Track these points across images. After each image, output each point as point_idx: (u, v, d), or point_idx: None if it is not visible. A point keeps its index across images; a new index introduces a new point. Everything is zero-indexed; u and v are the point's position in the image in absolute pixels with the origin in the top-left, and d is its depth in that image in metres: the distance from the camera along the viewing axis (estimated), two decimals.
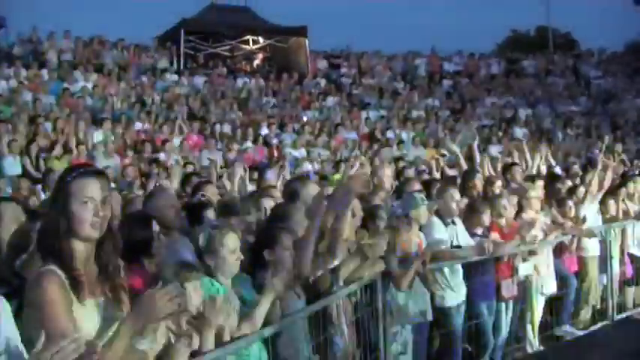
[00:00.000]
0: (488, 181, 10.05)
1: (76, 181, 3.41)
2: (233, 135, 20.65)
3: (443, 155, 15.86)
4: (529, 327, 9.69)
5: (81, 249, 3.42)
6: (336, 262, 6.10)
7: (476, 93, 28.83)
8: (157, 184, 12.91)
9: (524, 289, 9.44)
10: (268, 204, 7.22)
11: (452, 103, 27.68)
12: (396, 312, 7.27)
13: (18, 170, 15.67)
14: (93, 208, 3.41)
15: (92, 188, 3.43)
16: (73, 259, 3.38)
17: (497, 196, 9.36)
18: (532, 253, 9.29)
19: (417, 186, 9.21)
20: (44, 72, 22.76)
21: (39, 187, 12.52)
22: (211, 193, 8.43)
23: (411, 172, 14.47)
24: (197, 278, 4.65)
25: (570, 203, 10.65)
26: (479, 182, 10.03)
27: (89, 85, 22.52)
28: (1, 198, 5.70)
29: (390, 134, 23.00)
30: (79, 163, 14.36)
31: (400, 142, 21.99)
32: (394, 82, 28.97)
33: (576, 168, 16.27)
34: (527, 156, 12.84)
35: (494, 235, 8.83)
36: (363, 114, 25.10)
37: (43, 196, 11.82)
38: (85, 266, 3.43)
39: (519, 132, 24.33)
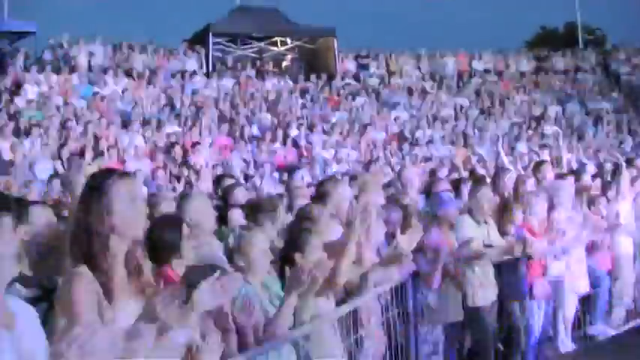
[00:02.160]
0: (520, 180, 9.99)
1: (119, 182, 3.46)
2: (262, 136, 20.67)
3: (473, 154, 15.86)
4: (561, 326, 9.62)
5: (121, 249, 3.46)
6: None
7: (505, 91, 28.66)
8: (192, 188, 13.00)
9: (557, 288, 9.37)
10: (297, 205, 7.22)
11: (481, 101, 27.53)
12: (426, 312, 7.26)
13: (50, 174, 15.79)
14: (138, 208, 3.49)
15: (135, 189, 3.53)
16: (108, 260, 3.40)
17: (529, 195, 9.31)
18: (564, 251, 9.23)
19: (446, 185, 9.19)
20: (74, 77, 22.94)
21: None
22: (241, 194, 8.45)
23: (440, 172, 14.42)
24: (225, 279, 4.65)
25: (602, 201, 10.57)
26: (510, 181, 9.98)
27: (119, 89, 22.66)
28: (32, 201, 5.73)
29: (419, 134, 22.93)
30: (111, 166, 14.49)
31: (429, 141, 21.93)
32: (423, 82, 28.88)
33: (608, 166, 16.12)
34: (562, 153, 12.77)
35: (526, 234, 8.78)
36: (392, 114, 25.04)
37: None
38: (119, 267, 3.45)
39: (549, 129, 24.16)
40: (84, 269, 3.34)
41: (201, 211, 6.25)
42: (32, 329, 3.15)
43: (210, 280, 3.38)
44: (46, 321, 3.46)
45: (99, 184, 3.47)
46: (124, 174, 3.57)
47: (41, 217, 4.78)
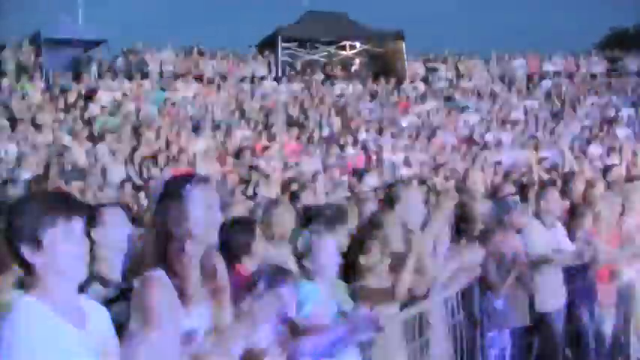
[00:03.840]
0: (589, 184, 9.88)
1: (196, 188, 3.52)
2: (331, 140, 20.73)
3: (543, 158, 15.69)
4: (633, 333, 9.47)
5: (196, 253, 3.52)
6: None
7: (576, 93, 28.24)
8: (261, 192, 13.12)
9: (628, 294, 9.23)
10: (365, 209, 7.26)
11: (551, 104, 27.20)
12: (493, 316, 7.22)
13: (122, 178, 16.07)
14: (214, 214, 3.55)
15: (211, 194, 3.57)
16: (183, 264, 3.47)
17: (599, 199, 9.20)
18: (636, 257, 9.09)
19: (514, 189, 9.13)
20: (146, 83, 23.34)
21: (142, 194, 12.86)
22: (310, 198, 8.54)
23: (509, 175, 14.31)
24: (292, 283, 4.73)
25: None
26: (580, 185, 9.87)
27: (190, 95, 22.99)
28: (106, 204, 5.88)
29: (488, 137, 22.75)
30: (185, 171, 14.71)
31: (499, 144, 21.75)
32: (492, 84, 28.66)
33: None
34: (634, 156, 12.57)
35: (596, 239, 8.67)
36: (462, 117, 24.90)
37: (146, 203, 12.15)
38: (194, 271, 3.52)
39: (621, 132, 23.75)
40: (160, 272, 3.42)
41: (282, 216, 6.36)
42: (104, 329, 3.24)
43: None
44: (122, 321, 3.56)
45: (176, 190, 3.53)
46: (201, 179, 3.63)
47: (113, 218, 4.90)
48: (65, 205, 3.05)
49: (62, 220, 2.98)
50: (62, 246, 2.97)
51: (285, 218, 6.45)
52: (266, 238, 6.22)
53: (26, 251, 2.95)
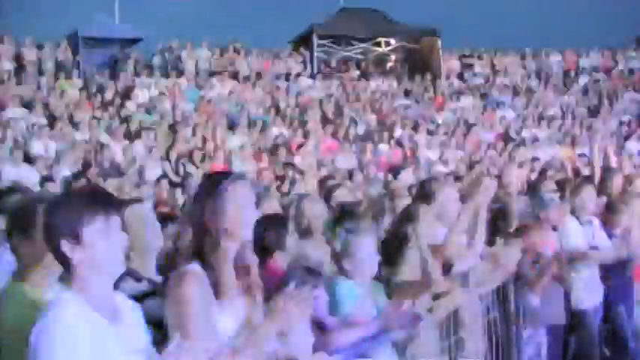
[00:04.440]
0: (627, 180, 9.78)
1: (233, 185, 3.56)
2: (367, 137, 20.74)
3: (580, 155, 15.58)
4: None
5: (231, 249, 3.54)
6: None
7: (613, 89, 27.97)
8: (296, 189, 13.15)
9: None
10: (400, 205, 7.25)
11: (588, 100, 26.97)
12: (529, 314, 7.18)
13: (159, 175, 16.19)
14: (250, 210, 3.59)
15: (247, 191, 3.61)
16: (219, 259, 3.50)
17: (636, 195, 9.10)
18: None
19: (551, 186, 9.07)
20: (182, 81, 23.49)
21: (178, 191, 12.96)
22: (345, 195, 8.54)
23: (545, 172, 14.22)
24: (320, 285, 4.76)
25: None
26: (617, 181, 9.77)
27: (225, 92, 23.12)
28: (130, 200, 5.93)
29: (525, 133, 22.63)
30: (222, 169, 14.82)
31: (535, 140, 21.63)
32: (528, 80, 28.49)
33: None
34: None
35: (633, 236, 8.58)
36: (498, 113, 24.78)
37: (182, 200, 12.24)
38: (228, 267, 3.54)
39: None
40: (196, 267, 3.46)
41: (313, 210, 6.38)
42: (137, 326, 3.29)
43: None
44: (156, 316, 3.60)
45: (213, 187, 3.57)
46: (238, 176, 3.68)
47: (138, 216, 4.93)
48: (104, 201, 3.12)
49: (101, 217, 3.04)
50: (101, 242, 3.03)
51: (316, 212, 6.46)
52: (298, 233, 6.26)
53: (66, 247, 3.01)
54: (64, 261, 3.05)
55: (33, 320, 3.07)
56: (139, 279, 4.55)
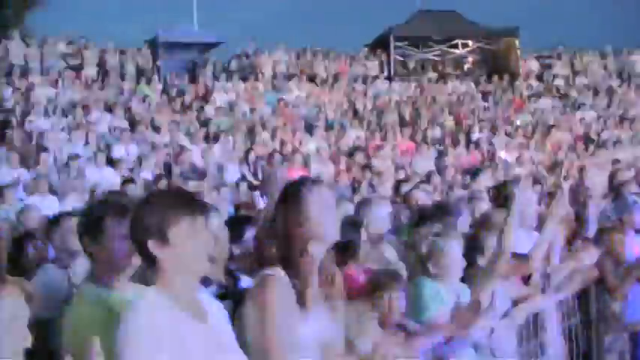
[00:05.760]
0: None
1: (315, 190, 3.59)
2: (444, 139, 20.64)
3: None
4: None
5: (318, 254, 3.57)
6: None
7: None
8: (374, 191, 13.15)
9: None
10: (479, 208, 7.22)
11: None
12: (611, 320, 7.07)
13: (237, 178, 16.37)
14: (333, 214, 3.63)
15: (329, 196, 3.65)
16: (306, 265, 3.53)
17: None
18: None
19: (633, 188, 8.92)
20: (260, 84, 23.68)
21: (257, 193, 13.07)
22: (423, 198, 8.52)
23: (628, 174, 13.94)
24: (398, 287, 4.77)
25: None
26: None
27: (303, 95, 23.23)
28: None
29: (606, 135, 22.23)
30: (299, 172, 14.91)
31: (617, 142, 21.22)
32: (609, 80, 27.95)
33: None
34: None
35: None
36: (578, 114, 24.38)
37: (261, 203, 12.34)
38: (314, 273, 3.57)
39: None
40: (280, 272, 3.49)
41: (379, 216, 6.38)
42: (222, 324, 3.34)
43: None
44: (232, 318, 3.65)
45: (296, 192, 3.61)
46: (319, 181, 3.74)
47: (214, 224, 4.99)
48: (190, 202, 3.18)
49: (187, 217, 3.10)
50: (187, 242, 3.09)
51: (384, 215, 6.45)
52: (369, 237, 6.22)
53: (153, 246, 3.08)
54: (151, 260, 3.13)
55: (103, 321, 3.18)
56: (207, 282, 4.61)
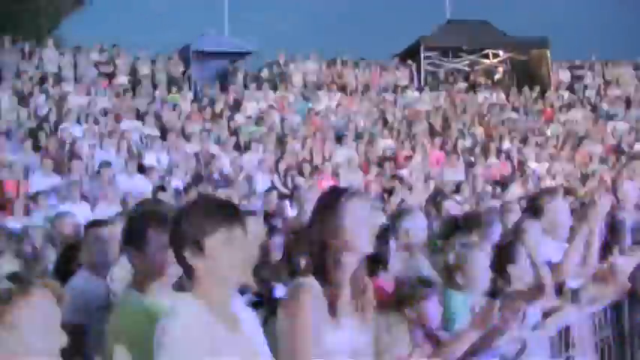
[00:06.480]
0: None
1: (352, 201, 3.59)
2: (474, 150, 20.57)
3: None
4: None
5: (351, 265, 3.57)
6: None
7: None
8: (404, 202, 13.16)
9: None
10: (509, 219, 7.20)
11: None
12: None
13: (267, 187, 16.40)
14: (368, 225, 3.62)
15: (365, 206, 3.65)
16: (339, 275, 3.54)
17: None
18: None
19: None
20: (290, 93, 23.74)
21: (287, 202, 13.11)
22: (453, 208, 8.52)
23: None
24: (434, 294, 4.77)
25: None
26: None
27: (333, 104, 23.26)
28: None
29: (638, 146, 22.06)
30: (329, 181, 14.95)
31: None
32: None
33: None
34: None
35: None
36: (609, 125, 24.23)
37: (290, 212, 12.37)
38: (347, 283, 3.58)
39: None
40: (313, 281, 3.50)
41: (415, 227, 6.39)
42: (256, 334, 3.36)
43: None
44: (265, 326, 3.67)
45: (332, 202, 3.61)
46: (355, 191, 3.71)
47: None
48: (227, 212, 3.21)
49: (224, 227, 3.13)
50: (223, 251, 3.12)
51: (418, 226, 6.46)
52: (400, 247, 6.23)
53: (189, 255, 3.12)
54: (188, 270, 3.16)
55: (144, 327, 3.21)
56: (243, 291, 4.63)
